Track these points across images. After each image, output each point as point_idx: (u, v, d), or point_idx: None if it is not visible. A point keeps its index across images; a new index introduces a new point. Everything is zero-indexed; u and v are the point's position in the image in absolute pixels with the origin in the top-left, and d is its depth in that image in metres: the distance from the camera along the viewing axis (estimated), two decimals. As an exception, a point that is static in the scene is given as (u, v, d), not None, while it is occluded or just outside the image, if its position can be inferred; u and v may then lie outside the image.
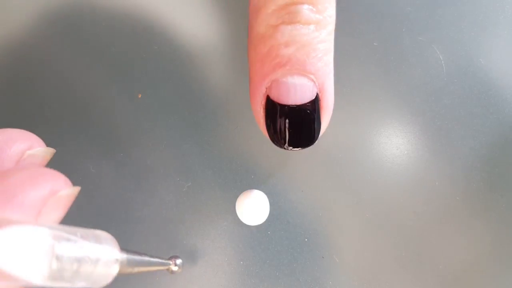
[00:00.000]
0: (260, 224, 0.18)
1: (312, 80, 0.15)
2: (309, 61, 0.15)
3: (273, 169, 0.19)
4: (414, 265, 0.18)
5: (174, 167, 0.19)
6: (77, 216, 0.19)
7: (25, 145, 0.13)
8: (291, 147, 0.16)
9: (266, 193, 0.19)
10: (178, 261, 0.16)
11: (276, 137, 0.16)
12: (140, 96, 0.19)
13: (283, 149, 0.16)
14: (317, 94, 0.15)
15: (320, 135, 0.16)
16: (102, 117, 0.19)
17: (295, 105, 0.15)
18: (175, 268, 0.16)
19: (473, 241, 0.19)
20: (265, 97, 0.15)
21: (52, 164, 0.19)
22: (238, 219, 0.18)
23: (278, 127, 0.15)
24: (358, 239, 0.19)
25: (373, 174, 0.19)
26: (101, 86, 0.19)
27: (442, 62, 0.19)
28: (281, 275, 0.18)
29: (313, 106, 0.15)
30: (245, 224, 0.18)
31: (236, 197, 0.19)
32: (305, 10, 0.14)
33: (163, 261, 0.15)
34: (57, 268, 0.10)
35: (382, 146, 0.19)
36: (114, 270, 0.12)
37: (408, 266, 0.18)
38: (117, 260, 0.12)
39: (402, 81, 0.19)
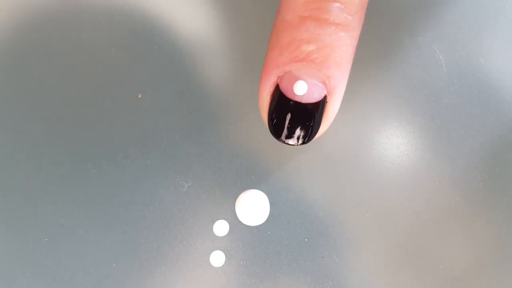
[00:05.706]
0: (260, 224, 0.18)
1: (324, 83, 0.15)
2: (327, 64, 0.14)
3: (273, 169, 0.19)
4: (414, 265, 0.18)
5: (174, 167, 0.19)
6: (77, 216, 0.19)
7: None
8: (286, 140, 0.16)
9: (266, 193, 0.19)
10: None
11: (274, 127, 0.16)
12: (140, 96, 0.19)
13: (283, 148, 0.16)
14: (325, 96, 0.15)
15: (316, 137, 0.16)
16: (102, 117, 0.19)
17: (300, 102, 0.15)
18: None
19: (474, 241, 0.18)
20: (275, 85, 0.15)
21: (52, 164, 0.19)
22: (238, 219, 0.18)
23: (279, 118, 0.15)
24: (358, 239, 0.18)
25: (373, 174, 0.19)
26: (101, 86, 0.19)
27: (442, 62, 0.19)
28: (281, 275, 0.18)
29: (317, 108, 0.15)
30: (245, 224, 0.18)
31: (236, 197, 0.19)
32: (335, 8, 0.14)
33: None
34: None
35: (382, 146, 0.19)
36: None
37: (408, 266, 0.18)
38: None
39: (402, 81, 0.19)
